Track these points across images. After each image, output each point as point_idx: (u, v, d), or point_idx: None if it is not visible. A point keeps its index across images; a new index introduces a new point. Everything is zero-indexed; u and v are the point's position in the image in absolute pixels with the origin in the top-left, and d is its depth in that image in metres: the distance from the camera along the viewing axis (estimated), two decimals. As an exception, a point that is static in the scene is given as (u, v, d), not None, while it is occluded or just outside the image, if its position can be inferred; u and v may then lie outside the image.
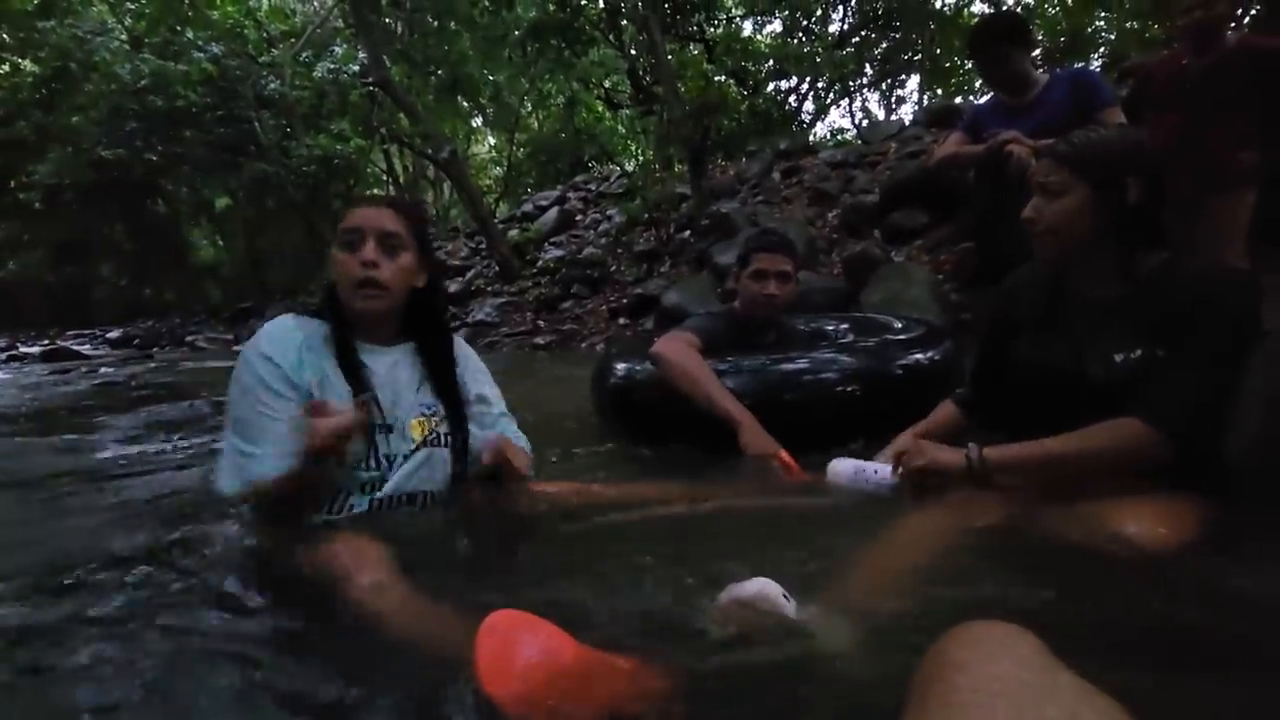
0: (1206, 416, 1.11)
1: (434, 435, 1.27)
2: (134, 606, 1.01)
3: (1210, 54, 2.52)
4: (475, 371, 1.40)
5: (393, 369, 1.23)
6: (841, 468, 1.38)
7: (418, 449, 1.23)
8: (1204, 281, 1.14)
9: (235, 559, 1.17)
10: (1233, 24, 2.66)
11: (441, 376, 1.30)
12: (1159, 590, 0.98)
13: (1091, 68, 9.03)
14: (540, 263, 9.87)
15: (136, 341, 11.88)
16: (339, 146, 13.18)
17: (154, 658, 0.87)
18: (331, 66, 13.44)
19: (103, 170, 14.44)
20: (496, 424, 1.38)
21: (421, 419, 1.25)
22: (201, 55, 12.81)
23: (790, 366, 1.87)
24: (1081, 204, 1.18)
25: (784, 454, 1.47)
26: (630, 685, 0.73)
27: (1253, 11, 5.39)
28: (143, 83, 12.57)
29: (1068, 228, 1.21)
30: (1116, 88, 4.46)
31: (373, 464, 1.18)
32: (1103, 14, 12.91)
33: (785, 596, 0.83)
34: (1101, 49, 12.40)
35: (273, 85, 13.31)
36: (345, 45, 14.36)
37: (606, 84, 12.63)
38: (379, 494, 1.19)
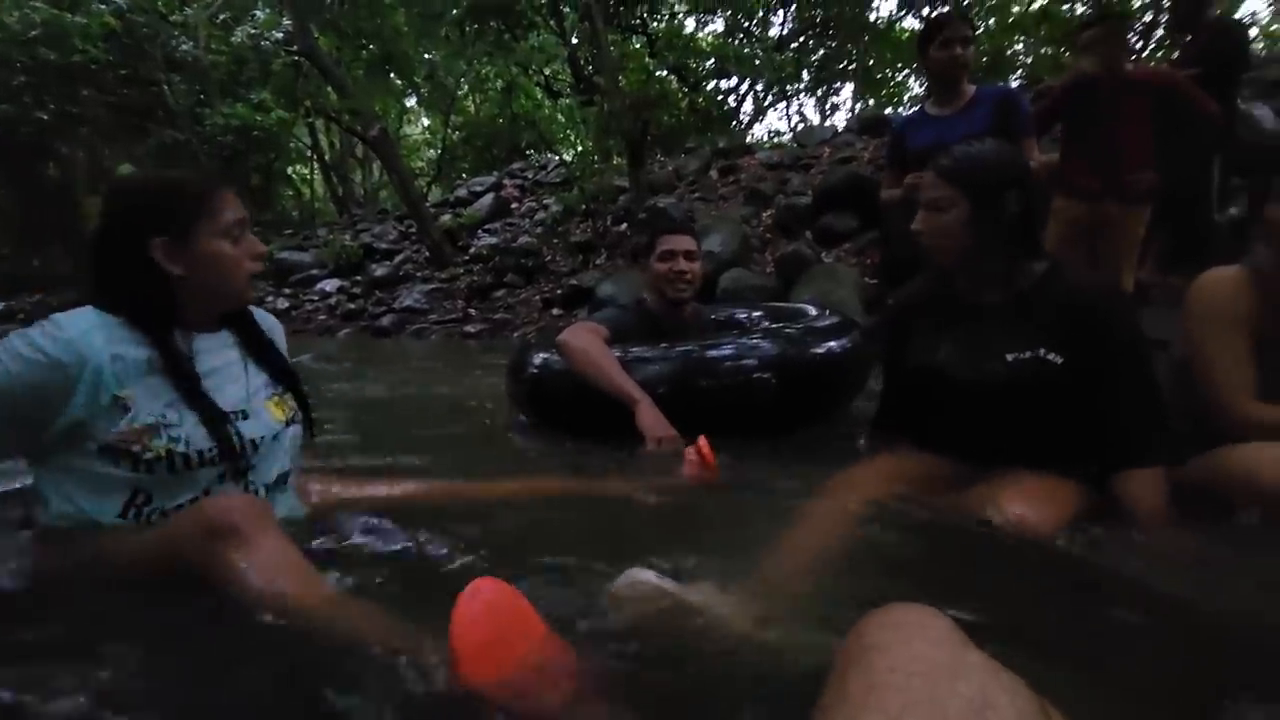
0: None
1: (294, 413, 1.22)
2: (73, 620, 0.92)
3: (1117, 77, 2.71)
4: (282, 347, 1.31)
5: (223, 352, 1.15)
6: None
7: (285, 429, 1.18)
8: (1091, 297, 1.24)
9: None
10: (1132, 53, 2.88)
11: (265, 352, 1.22)
12: (1042, 570, 1.07)
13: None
14: (473, 250, 9.63)
15: (21, 317, 10.86)
16: (259, 117, 12.42)
17: (95, 661, 0.80)
18: (252, 31, 12.67)
19: (-16, 127, 13.10)
20: None
21: (276, 399, 1.19)
22: (104, 7, 11.79)
23: (703, 354, 1.90)
24: (964, 217, 1.26)
25: (703, 443, 1.48)
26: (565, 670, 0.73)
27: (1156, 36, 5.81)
28: (34, 33, 11.45)
29: (952, 240, 1.28)
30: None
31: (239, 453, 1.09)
32: (1021, 39, 13.73)
33: (659, 577, 0.83)
34: (1019, 70, 13.17)
35: (185, 47, 12.41)
36: (268, 10, 13.55)
37: (546, 71, 12.46)
38: (254, 480, 1.11)
